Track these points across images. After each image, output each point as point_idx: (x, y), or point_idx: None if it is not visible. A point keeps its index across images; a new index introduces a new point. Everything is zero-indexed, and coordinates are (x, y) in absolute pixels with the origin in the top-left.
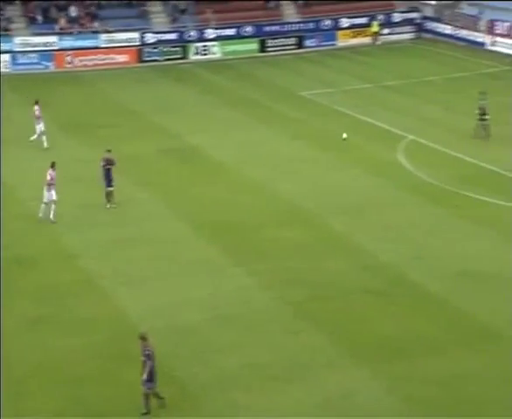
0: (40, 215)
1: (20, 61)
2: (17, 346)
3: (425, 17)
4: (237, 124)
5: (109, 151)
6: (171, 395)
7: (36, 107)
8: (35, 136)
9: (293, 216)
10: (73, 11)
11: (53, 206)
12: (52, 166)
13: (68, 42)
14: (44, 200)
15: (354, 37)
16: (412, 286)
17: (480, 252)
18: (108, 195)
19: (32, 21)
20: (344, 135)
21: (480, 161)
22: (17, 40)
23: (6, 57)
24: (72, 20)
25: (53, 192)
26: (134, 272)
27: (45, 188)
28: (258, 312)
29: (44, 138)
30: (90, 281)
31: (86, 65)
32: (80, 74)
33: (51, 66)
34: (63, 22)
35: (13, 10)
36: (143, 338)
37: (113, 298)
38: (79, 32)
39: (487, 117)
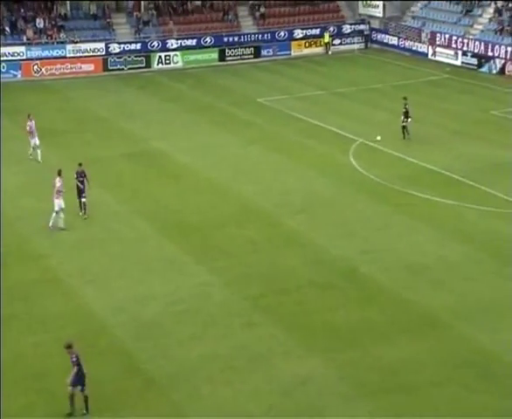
0: (50, 224)
1: None
2: None
3: (373, 29)
4: (198, 129)
5: (80, 165)
6: (138, 387)
7: (28, 122)
8: (30, 150)
9: (250, 216)
10: (40, 23)
11: (62, 214)
12: (59, 174)
13: (35, 52)
14: (56, 209)
15: (307, 47)
16: (362, 279)
17: (421, 246)
18: (82, 205)
19: (0, 32)
20: (378, 138)
21: (420, 161)
22: None
23: None
24: (39, 31)
25: (62, 200)
26: (99, 271)
27: (55, 196)
28: (218, 307)
29: (38, 152)
30: (58, 280)
31: (53, 74)
32: (48, 83)
33: (19, 75)
34: (30, 33)
35: None
36: (69, 346)
37: (79, 296)
38: (46, 43)
39: (409, 120)
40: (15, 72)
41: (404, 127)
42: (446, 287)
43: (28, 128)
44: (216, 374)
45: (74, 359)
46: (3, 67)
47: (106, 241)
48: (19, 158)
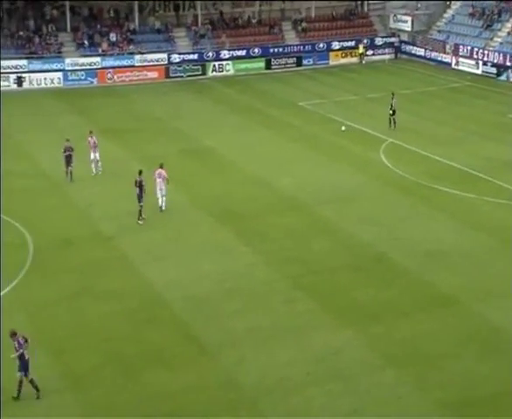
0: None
1: (70, 78)
2: (61, 312)
3: (402, 41)
4: (244, 128)
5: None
6: (192, 353)
7: (89, 139)
8: (92, 165)
9: (289, 206)
10: (113, 37)
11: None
12: (161, 167)
13: (109, 62)
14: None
15: (343, 57)
16: (387, 262)
17: (440, 234)
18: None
19: (80, 45)
20: (343, 128)
21: (442, 158)
22: (68, 61)
23: (59, 74)
24: (112, 44)
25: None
26: (159, 251)
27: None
28: (261, 285)
29: (92, 166)
30: (123, 258)
31: (123, 81)
32: (118, 88)
33: (95, 82)
34: (105, 45)
35: (65, 37)
36: (13, 334)
37: (142, 273)
38: (118, 54)
39: (394, 114)
40: (91, 79)
41: (390, 119)
42: (461, 271)
43: (92, 143)
44: (259, 343)
45: (17, 345)
46: (82, 75)
47: (164, 226)
48: (89, 152)
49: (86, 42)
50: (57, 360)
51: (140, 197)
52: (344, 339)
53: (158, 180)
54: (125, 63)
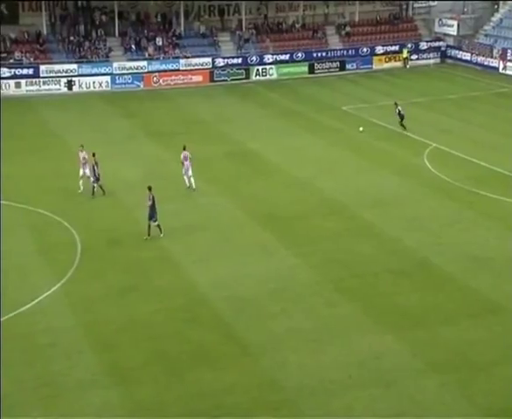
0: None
1: (118, 81)
2: (108, 309)
3: (448, 46)
4: (287, 132)
5: (82, 146)
6: (235, 353)
7: (79, 153)
8: (81, 181)
9: (331, 209)
10: (159, 41)
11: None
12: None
13: (155, 66)
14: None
15: (387, 61)
16: (431, 268)
17: (486, 239)
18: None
19: (128, 50)
20: (361, 128)
21: (487, 163)
22: (116, 65)
23: (107, 78)
24: (158, 48)
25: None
26: (203, 252)
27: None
28: (303, 287)
29: (80, 183)
30: (169, 258)
31: (168, 84)
32: (164, 92)
33: (141, 85)
34: (151, 50)
35: (113, 42)
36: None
37: (187, 272)
38: (164, 58)
39: (403, 120)
40: (138, 83)
41: (402, 125)
42: (507, 277)
43: (81, 159)
44: (301, 345)
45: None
46: (129, 79)
47: (209, 227)
48: (136, 154)
49: (133, 46)
50: (104, 356)
51: (152, 213)
52: (386, 343)
53: (185, 162)
54: (170, 67)
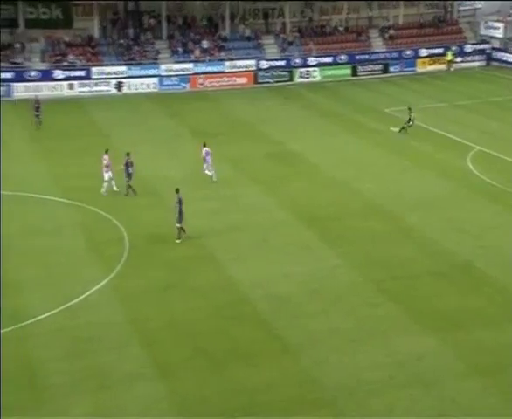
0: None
1: (165, 83)
2: (152, 304)
3: (494, 48)
4: (329, 133)
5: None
6: (274, 351)
7: (104, 156)
8: (105, 184)
9: (373, 210)
10: (205, 44)
11: (112, 182)
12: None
13: (201, 68)
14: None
15: (431, 64)
16: (472, 270)
17: None
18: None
19: (175, 52)
20: (394, 128)
21: None
22: (163, 67)
23: (155, 80)
24: (204, 50)
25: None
26: (242, 250)
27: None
28: (344, 287)
29: (112, 183)
30: (209, 256)
31: (213, 86)
32: (209, 93)
33: (187, 87)
34: (197, 52)
35: (161, 44)
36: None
37: (226, 271)
38: (210, 60)
39: (410, 123)
40: (184, 85)
41: (404, 128)
42: None
43: (105, 162)
44: (340, 345)
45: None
46: (176, 80)
47: (250, 226)
48: (181, 153)
49: (180, 49)
50: (149, 350)
51: (180, 216)
52: (427, 345)
53: (207, 157)
54: (215, 69)
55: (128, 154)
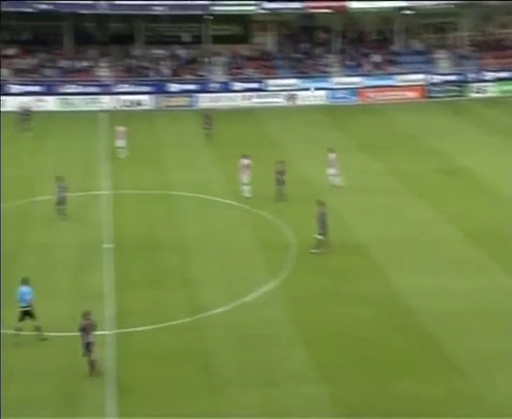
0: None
1: (334, 95)
2: (315, 309)
3: None
4: (503, 151)
5: (282, 162)
6: (440, 366)
7: (243, 160)
8: (245, 187)
9: None
10: (376, 58)
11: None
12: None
13: (370, 81)
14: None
15: None
16: None
17: None
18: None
19: (345, 66)
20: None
21: None
22: (334, 80)
23: (323, 92)
24: (375, 65)
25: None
26: (408, 263)
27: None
28: None
29: (244, 188)
30: (372, 266)
31: (382, 99)
32: (377, 106)
33: (356, 100)
34: (368, 66)
35: (332, 58)
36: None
37: (390, 281)
38: (379, 74)
39: None
40: (353, 98)
41: None
42: None
43: (243, 166)
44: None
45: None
46: (346, 93)
47: (417, 239)
48: (346, 164)
49: (350, 63)
50: (312, 351)
51: (323, 228)
52: None
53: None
54: (385, 82)
55: (282, 162)
